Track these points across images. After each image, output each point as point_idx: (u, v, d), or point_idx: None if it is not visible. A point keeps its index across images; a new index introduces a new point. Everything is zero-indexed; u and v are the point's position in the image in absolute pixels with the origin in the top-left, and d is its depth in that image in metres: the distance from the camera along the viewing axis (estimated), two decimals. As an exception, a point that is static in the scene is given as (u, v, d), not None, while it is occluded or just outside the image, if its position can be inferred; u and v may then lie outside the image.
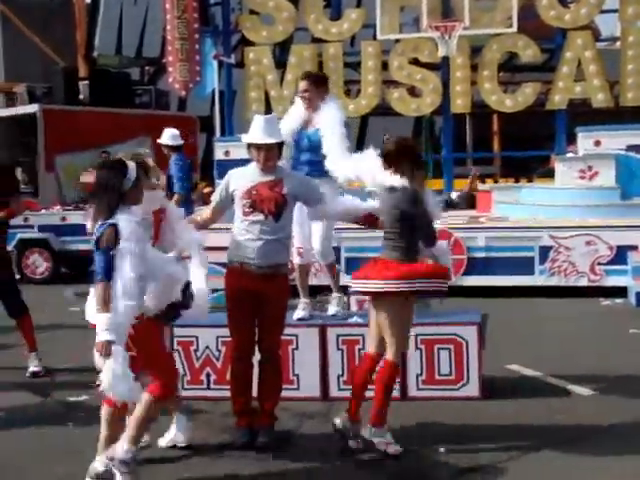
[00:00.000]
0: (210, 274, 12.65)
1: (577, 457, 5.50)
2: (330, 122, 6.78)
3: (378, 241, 12.38)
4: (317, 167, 6.92)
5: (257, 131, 5.84)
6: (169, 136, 11.10)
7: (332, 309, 7.21)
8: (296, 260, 7.18)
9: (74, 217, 13.91)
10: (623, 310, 10.39)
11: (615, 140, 12.76)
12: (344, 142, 6.70)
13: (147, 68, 26.01)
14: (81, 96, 19.19)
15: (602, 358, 7.86)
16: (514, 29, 13.92)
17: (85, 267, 15.29)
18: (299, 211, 6.99)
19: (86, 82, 19.56)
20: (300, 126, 6.93)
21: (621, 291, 11.02)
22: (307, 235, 7.07)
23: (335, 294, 7.30)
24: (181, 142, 11.17)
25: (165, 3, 15.59)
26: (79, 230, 13.74)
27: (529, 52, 14.20)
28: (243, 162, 14.49)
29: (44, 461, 5.71)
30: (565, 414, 6.31)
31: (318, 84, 6.95)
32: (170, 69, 15.71)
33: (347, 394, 6.73)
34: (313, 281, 7.59)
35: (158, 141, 11.13)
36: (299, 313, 7.09)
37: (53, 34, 25.97)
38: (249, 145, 5.91)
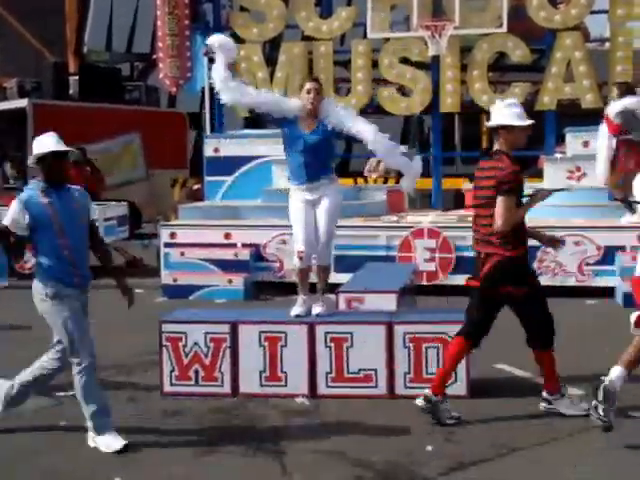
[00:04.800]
0: (200, 271, 12.73)
1: (565, 455, 5.54)
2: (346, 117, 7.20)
3: (366, 239, 12.43)
4: (319, 168, 7.06)
5: None
6: None
7: (316, 309, 7.21)
8: (296, 263, 7.20)
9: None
10: (610, 311, 10.42)
11: (603, 141, 12.78)
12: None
13: (137, 64, 25.98)
14: (71, 91, 19.17)
15: (589, 358, 7.90)
16: (504, 29, 13.93)
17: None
18: (305, 213, 7.07)
19: (76, 77, 19.54)
20: (292, 118, 7.10)
21: (608, 292, 11.06)
22: (311, 239, 7.10)
23: (320, 296, 7.31)
24: None
25: (156, -1, 15.57)
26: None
27: (519, 52, 14.19)
28: (232, 159, 14.53)
29: (33, 456, 5.73)
30: (551, 413, 6.34)
31: (322, 87, 7.23)
32: (160, 65, 15.66)
33: (335, 391, 6.80)
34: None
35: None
36: (296, 310, 7.11)
37: (44, 29, 25.93)
38: None
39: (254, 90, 7.55)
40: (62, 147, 5.79)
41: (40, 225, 5.73)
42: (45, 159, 5.79)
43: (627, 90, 11.45)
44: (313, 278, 7.47)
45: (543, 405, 6.42)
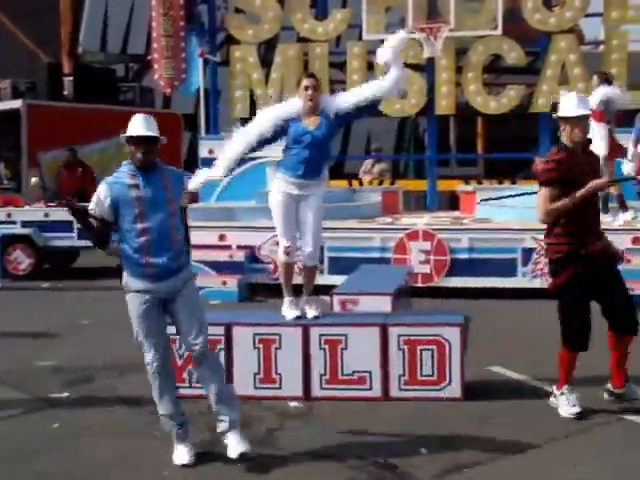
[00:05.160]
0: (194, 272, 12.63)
1: (559, 457, 5.54)
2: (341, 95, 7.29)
3: (361, 241, 12.43)
4: (317, 166, 7.05)
5: None
6: None
7: (311, 312, 7.19)
8: (282, 258, 7.20)
9: (57, 213, 13.74)
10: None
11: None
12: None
13: (132, 65, 25.91)
14: (65, 92, 19.12)
15: (585, 359, 7.88)
16: (499, 31, 13.95)
17: (68, 263, 15.30)
18: (288, 209, 7.07)
19: (70, 78, 19.48)
20: (294, 118, 7.06)
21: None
22: (294, 234, 7.14)
23: (308, 297, 7.30)
24: None
25: (151, 0, 15.55)
26: (62, 226, 13.71)
27: (514, 55, 14.23)
28: (227, 160, 14.29)
29: (33, 456, 5.71)
30: (546, 416, 6.34)
31: (320, 84, 7.18)
32: (155, 66, 15.65)
33: (329, 394, 6.79)
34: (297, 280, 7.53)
35: None
36: (293, 312, 7.09)
37: (37, 29, 25.87)
38: None
39: (252, 131, 7.25)
40: (148, 132, 5.50)
41: (122, 207, 5.45)
42: (132, 140, 5.54)
43: (605, 80, 11.50)
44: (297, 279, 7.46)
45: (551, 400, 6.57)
